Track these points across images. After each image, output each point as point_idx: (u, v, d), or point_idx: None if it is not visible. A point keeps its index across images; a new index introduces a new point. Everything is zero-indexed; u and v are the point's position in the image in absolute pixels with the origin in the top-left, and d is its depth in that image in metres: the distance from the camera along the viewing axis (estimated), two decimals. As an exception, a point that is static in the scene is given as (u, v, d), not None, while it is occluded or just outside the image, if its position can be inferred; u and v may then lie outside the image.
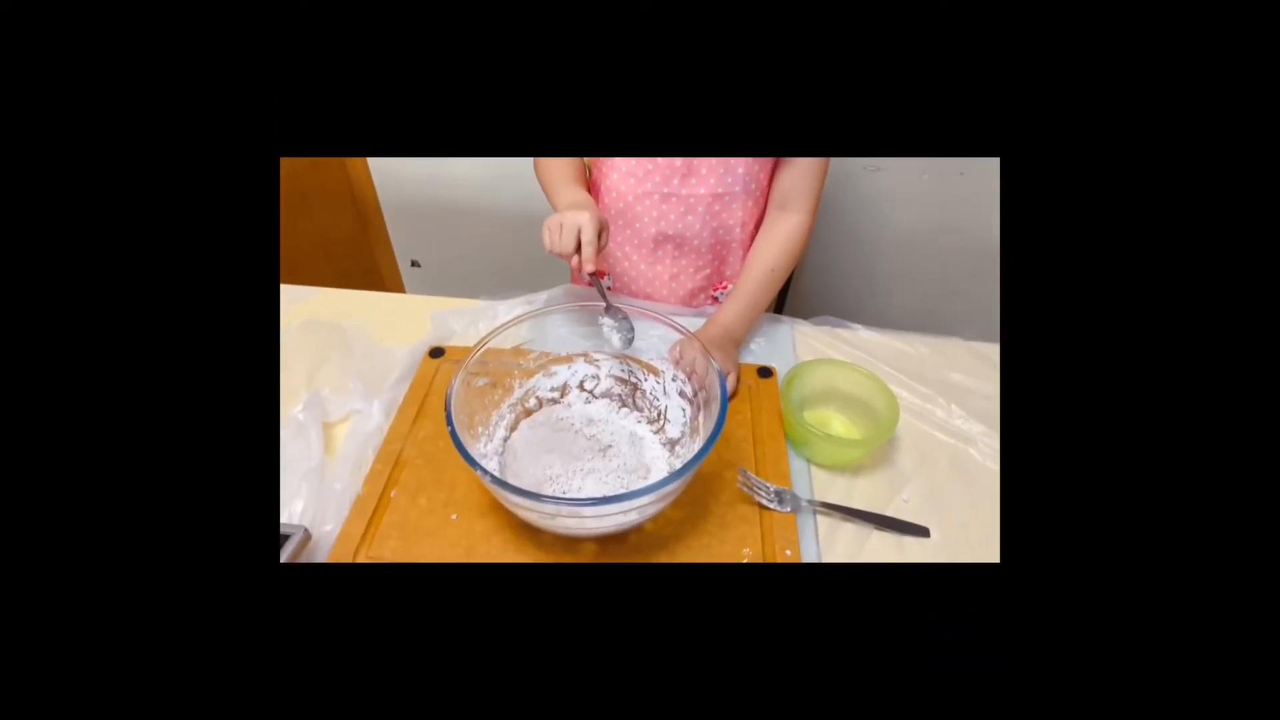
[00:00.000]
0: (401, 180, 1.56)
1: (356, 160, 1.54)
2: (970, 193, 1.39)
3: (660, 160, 0.81)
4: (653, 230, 0.86)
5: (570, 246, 0.68)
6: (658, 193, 0.83)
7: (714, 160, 0.81)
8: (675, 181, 0.82)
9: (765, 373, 0.79)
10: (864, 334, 0.88)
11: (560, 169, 0.84)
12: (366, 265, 1.74)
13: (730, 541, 0.62)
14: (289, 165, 1.53)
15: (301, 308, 0.90)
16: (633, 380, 0.73)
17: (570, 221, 0.68)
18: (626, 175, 0.84)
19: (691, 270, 0.91)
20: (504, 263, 1.62)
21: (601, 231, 0.70)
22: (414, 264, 1.71)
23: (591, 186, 0.91)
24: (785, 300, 1.58)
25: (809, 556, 0.61)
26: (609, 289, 0.95)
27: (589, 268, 0.68)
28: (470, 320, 0.87)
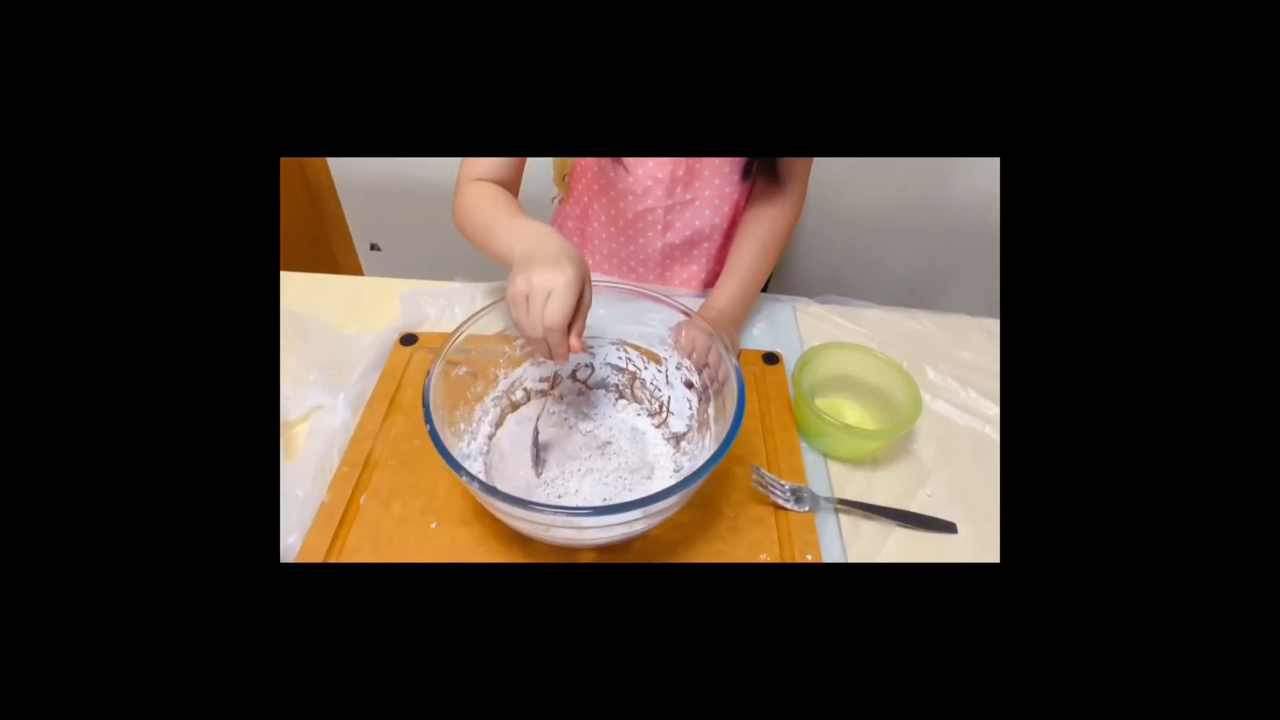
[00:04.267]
0: (358, 158, 1.45)
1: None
2: (940, 170, 1.37)
3: (661, 177, 0.76)
4: (659, 244, 0.82)
5: (556, 319, 0.50)
6: (660, 207, 0.78)
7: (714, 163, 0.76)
8: (679, 190, 0.77)
9: (771, 359, 0.73)
10: (869, 312, 0.83)
11: (491, 202, 0.66)
12: (320, 250, 1.63)
13: (744, 546, 0.56)
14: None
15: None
16: (631, 369, 0.66)
17: (539, 288, 0.50)
18: (630, 190, 0.78)
19: (705, 260, 0.85)
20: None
21: (584, 290, 0.52)
22: (373, 247, 1.60)
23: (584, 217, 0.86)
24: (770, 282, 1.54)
25: (833, 560, 0.56)
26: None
27: (574, 350, 0.52)
28: (446, 304, 0.79)
